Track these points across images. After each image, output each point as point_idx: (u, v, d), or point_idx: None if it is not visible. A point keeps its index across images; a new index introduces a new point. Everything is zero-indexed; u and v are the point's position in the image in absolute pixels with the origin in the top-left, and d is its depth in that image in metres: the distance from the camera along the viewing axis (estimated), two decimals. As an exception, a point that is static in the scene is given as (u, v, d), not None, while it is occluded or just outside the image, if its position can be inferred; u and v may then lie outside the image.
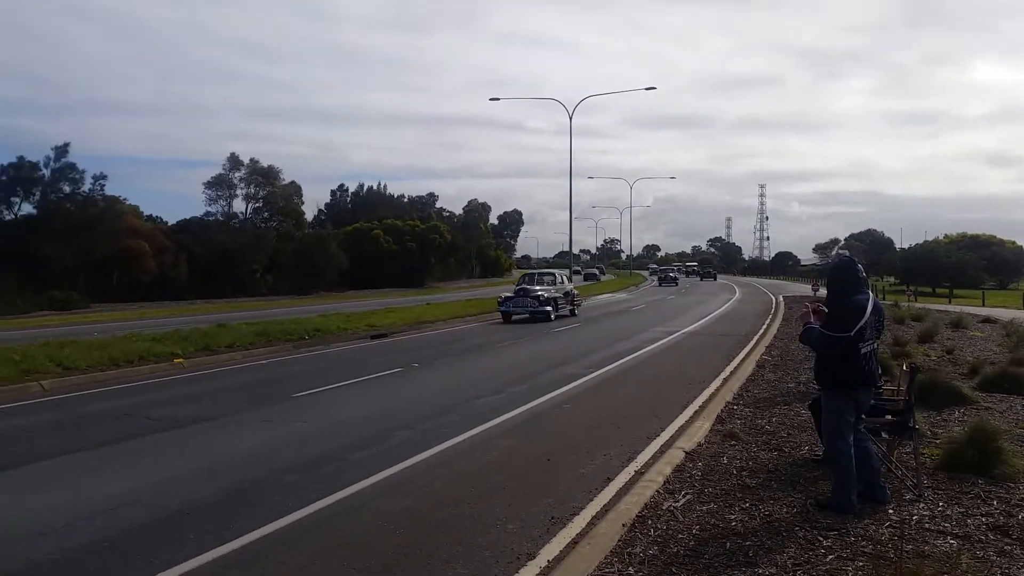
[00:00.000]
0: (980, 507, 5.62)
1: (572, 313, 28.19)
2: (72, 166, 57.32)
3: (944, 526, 5.24)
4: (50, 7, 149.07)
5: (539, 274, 29.58)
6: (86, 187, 57.90)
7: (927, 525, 5.27)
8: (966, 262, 64.35)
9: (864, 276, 5.80)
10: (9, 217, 56.29)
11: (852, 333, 5.43)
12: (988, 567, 4.44)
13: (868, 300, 5.58)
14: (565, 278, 29.90)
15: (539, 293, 25.76)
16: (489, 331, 22.84)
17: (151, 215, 70.37)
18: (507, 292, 27.33)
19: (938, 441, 7.48)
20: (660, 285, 68.20)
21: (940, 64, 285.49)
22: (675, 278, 73.76)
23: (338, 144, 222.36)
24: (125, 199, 63.70)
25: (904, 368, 7.17)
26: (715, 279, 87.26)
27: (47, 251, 51.98)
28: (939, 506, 5.66)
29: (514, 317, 25.55)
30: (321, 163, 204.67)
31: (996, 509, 5.57)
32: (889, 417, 6.41)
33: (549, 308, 25.36)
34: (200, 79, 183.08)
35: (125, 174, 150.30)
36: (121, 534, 5.39)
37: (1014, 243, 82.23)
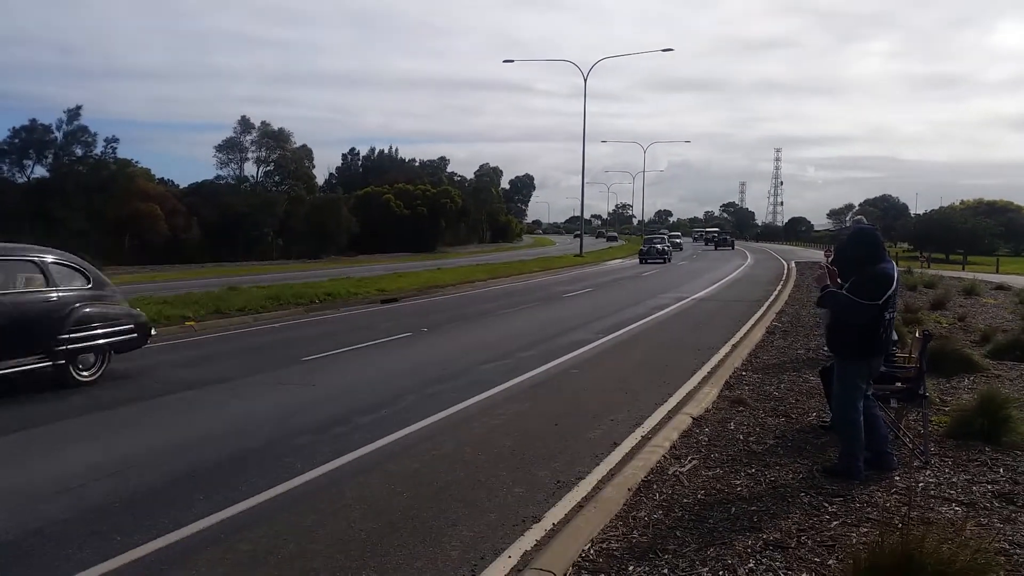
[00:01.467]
0: (986, 474, 5.62)
1: (67, 377, 9.30)
2: (84, 129, 57.33)
3: (950, 493, 5.25)
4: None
5: None
6: (98, 150, 58.00)
7: (933, 492, 5.27)
8: (981, 228, 63.80)
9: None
10: (22, 180, 56.46)
11: (880, 301, 5.40)
12: (992, 534, 4.44)
13: (894, 269, 5.56)
14: (83, 276, 9.95)
15: None
16: (499, 295, 22.86)
17: (163, 178, 70.45)
18: None
19: (947, 409, 7.46)
20: (642, 262, 45.51)
21: (962, 27, 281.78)
22: (665, 251, 48.08)
23: (352, 108, 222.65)
24: (137, 162, 63.73)
25: (917, 335, 7.13)
26: (732, 247, 70.68)
27: (59, 213, 52.19)
28: (945, 473, 5.67)
29: None
30: (335, 127, 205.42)
31: (1002, 477, 5.56)
32: (899, 384, 6.39)
33: None
34: (216, 43, 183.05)
35: (138, 137, 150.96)
36: (132, 495, 5.46)
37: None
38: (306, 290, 20.62)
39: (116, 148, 59.10)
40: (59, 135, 56.53)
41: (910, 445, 6.26)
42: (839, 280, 5.73)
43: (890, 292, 5.45)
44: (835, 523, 4.73)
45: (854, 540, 4.41)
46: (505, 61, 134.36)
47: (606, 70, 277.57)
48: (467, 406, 8.21)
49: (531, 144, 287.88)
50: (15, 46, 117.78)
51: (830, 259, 6.23)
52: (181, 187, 69.22)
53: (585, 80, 50.87)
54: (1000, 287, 23.24)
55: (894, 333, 6.62)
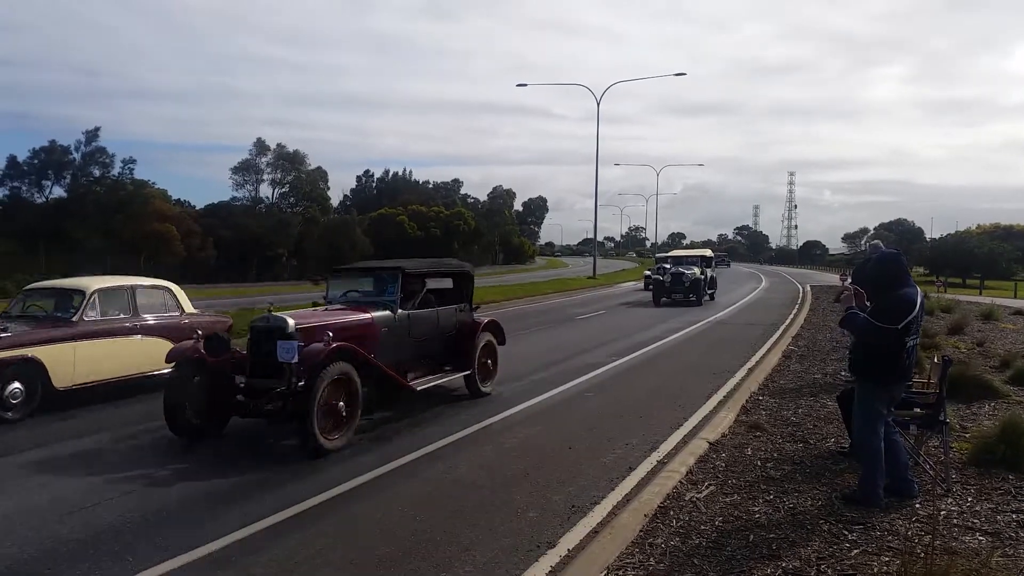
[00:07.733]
0: (1011, 503, 5.50)
1: None
2: (102, 150, 58.18)
3: (973, 522, 5.13)
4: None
5: None
6: (115, 171, 58.74)
7: (955, 521, 5.17)
8: (998, 253, 63.25)
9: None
10: (40, 200, 57.18)
11: (900, 326, 5.33)
12: (1020, 565, 4.34)
13: (917, 294, 5.49)
14: None
15: None
16: (512, 317, 22.77)
17: (180, 199, 71.11)
18: None
19: (967, 435, 7.33)
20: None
21: (979, 51, 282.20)
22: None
23: (368, 130, 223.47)
24: (154, 183, 64.37)
25: (936, 360, 7.02)
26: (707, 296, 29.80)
27: (76, 234, 52.77)
28: (968, 502, 5.55)
29: None
30: (351, 149, 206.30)
31: (1028, 506, 5.45)
32: (919, 410, 6.29)
33: None
34: (235, 65, 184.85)
35: (158, 159, 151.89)
36: (150, 515, 5.44)
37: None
38: (320, 311, 20.63)
39: (133, 169, 59.93)
40: (77, 156, 57.40)
41: (931, 472, 6.15)
42: (867, 302, 5.67)
43: (910, 317, 5.37)
44: (855, 551, 4.63)
45: (875, 569, 4.32)
46: (518, 85, 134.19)
47: (620, 94, 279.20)
48: (480, 428, 8.15)
49: (545, 167, 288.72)
50: (43, 70, 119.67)
51: (846, 282, 6.16)
52: (197, 208, 69.86)
53: (598, 104, 51.10)
54: (1019, 312, 22.95)
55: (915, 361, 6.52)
